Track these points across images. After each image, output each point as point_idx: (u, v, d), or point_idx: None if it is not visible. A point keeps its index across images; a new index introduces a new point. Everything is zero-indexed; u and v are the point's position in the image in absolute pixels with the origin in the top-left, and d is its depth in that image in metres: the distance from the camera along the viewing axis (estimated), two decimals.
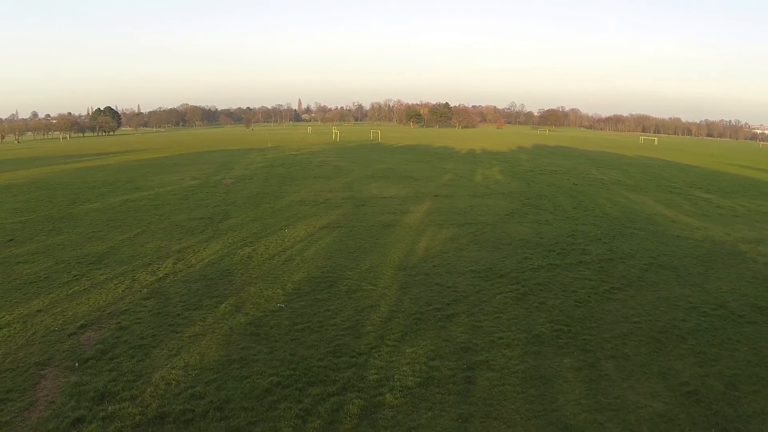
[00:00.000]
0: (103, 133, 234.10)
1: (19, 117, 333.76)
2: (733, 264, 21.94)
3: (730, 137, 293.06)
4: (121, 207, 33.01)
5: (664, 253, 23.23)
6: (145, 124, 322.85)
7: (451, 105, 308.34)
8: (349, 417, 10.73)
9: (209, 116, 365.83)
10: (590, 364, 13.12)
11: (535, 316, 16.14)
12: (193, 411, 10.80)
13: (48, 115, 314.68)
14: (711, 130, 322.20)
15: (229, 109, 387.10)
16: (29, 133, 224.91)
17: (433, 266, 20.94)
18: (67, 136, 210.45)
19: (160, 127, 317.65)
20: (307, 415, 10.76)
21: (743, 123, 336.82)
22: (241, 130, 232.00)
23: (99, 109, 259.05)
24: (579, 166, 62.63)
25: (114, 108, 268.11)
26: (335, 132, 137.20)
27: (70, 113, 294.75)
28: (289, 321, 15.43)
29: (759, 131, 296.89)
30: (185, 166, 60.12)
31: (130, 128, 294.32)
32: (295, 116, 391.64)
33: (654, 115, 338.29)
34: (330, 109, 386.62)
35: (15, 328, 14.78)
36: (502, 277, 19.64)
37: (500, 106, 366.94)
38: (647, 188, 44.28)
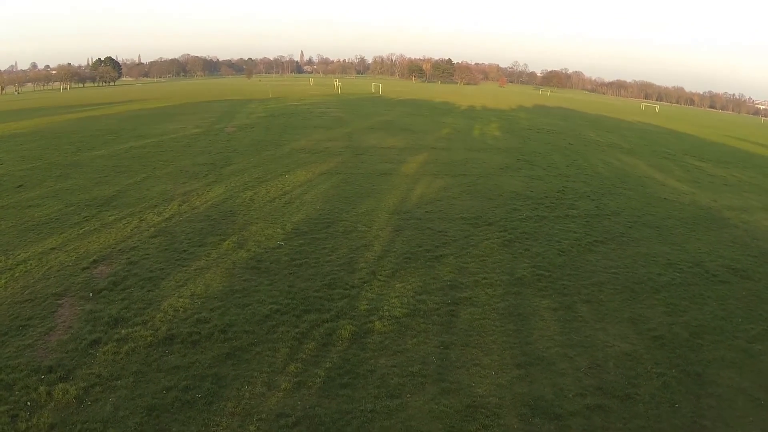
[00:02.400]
0: (104, 84, 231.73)
1: (19, 68, 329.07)
2: (714, 228, 22.73)
3: (733, 110, 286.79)
4: (126, 154, 33.68)
5: (649, 213, 24.02)
6: (146, 74, 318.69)
7: (454, 62, 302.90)
8: (341, 340, 11.82)
9: (211, 67, 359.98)
10: (566, 306, 14.15)
11: (519, 261, 17.13)
12: (199, 333, 11.90)
13: (47, 66, 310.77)
14: (714, 102, 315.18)
15: (230, 60, 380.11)
16: (29, 84, 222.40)
17: (426, 212, 21.87)
18: (68, 86, 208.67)
19: (161, 77, 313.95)
20: (303, 337, 11.85)
21: (747, 97, 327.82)
22: (242, 81, 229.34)
23: (99, 59, 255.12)
24: (577, 128, 62.48)
25: (114, 58, 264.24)
26: (336, 84, 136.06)
27: (69, 64, 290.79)
28: (288, 257, 16.47)
29: (762, 107, 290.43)
30: (187, 115, 60.29)
31: (131, 78, 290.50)
32: (297, 68, 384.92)
33: (657, 83, 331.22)
34: (332, 62, 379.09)
35: (31, 264, 15.76)
36: (491, 225, 20.58)
37: (503, 65, 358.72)
38: (642, 153, 44.46)
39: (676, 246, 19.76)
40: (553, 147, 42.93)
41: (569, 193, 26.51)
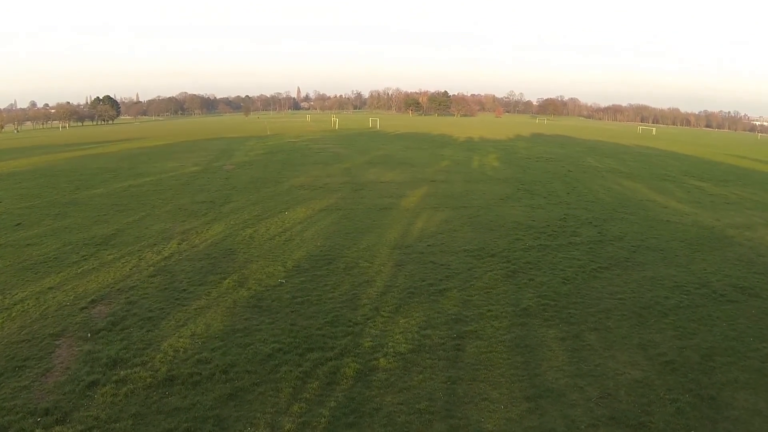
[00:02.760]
0: (103, 122, 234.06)
1: (18, 107, 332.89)
2: (719, 247, 22.63)
3: (729, 128, 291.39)
4: (125, 192, 33.74)
5: (652, 237, 23.96)
6: (144, 113, 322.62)
7: (450, 93, 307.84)
8: (346, 379, 11.55)
9: (208, 104, 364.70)
10: (574, 335, 13.90)
11: (523, 291, 16.92)
12: (200, 374, 11.62)
13: (47, 105, 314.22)
14: (710, 121, 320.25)
15: (228, 98, 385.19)
16: (28, 122, 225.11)
17: (428, 245, 21.77)
18: (66, 125, 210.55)
19: (159, 115, 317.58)
20: (306, 377, 11.58)
21: (742, 114, 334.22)
22: (240, 119, 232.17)
23: (98, 97, 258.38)
24: (575, 154, 63.30)
25: (113, 97, 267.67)
26: (334, 120, 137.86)
27: (68, 102, 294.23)
28: (289, 295, 16.26)
29: (758, 123, 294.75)
30: (185, 153, 60.74)
31: (129, 117, 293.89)
32: (294, 104, 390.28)
33: (653, 106, 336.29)
34: (329, 97, 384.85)
35: (29, 303, 15.54)
36: (494, 256, 20.45)
37: (499, 95, 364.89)
38: (641, 176, 44.90)
39: (682, 268, 19.64)
40: (553, 175, 43.24)
41: (571, 221, 26.53)
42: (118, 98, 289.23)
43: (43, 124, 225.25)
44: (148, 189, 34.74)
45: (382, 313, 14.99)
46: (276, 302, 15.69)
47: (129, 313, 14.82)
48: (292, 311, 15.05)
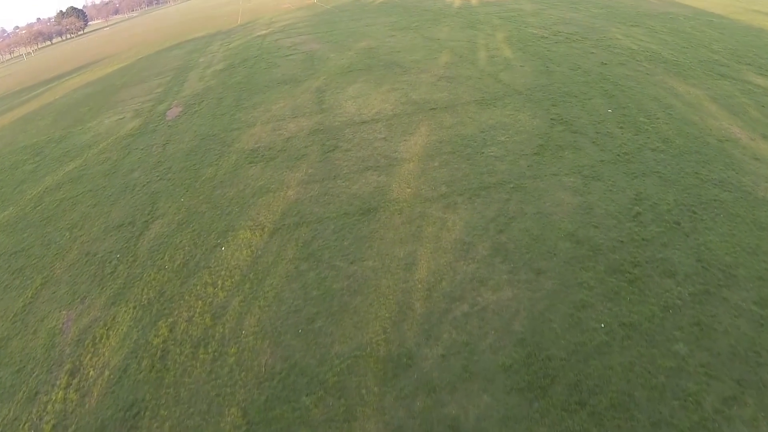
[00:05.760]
0: (72, 36, 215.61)
1: None
2: None
3: None
4: (33, 212, 25.12)
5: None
6: (117, 11, 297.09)
7: None
8: None
9: None
10: None
11: None
12: None
13: (17, 27, 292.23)
14: None
15: None
16: None
17: (443, 356, 12.42)
18: (32, 51, 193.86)
19: (132, 11, 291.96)
20: None
21: None
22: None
23: (62, 11, 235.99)
24: (595, 24, 47.49)
25: (76, 7, 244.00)
26: None
27: (39, 19, 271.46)
28: None
29: None
30: (134, 86, 50.02)
31: (101, 20, 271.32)
32: None
33: None
34: None
35: None
36: (551, 384, 11.37)
37: None
38: (692, 70, 31.43)
39: None
40: (586, 77, 30.63)
41: (649, 218, 16.13)
42: (89, 1, 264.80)
43: (11, 53, 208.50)
44: (63, 201, 25.74)
45: None
46: None
47: None
48: None
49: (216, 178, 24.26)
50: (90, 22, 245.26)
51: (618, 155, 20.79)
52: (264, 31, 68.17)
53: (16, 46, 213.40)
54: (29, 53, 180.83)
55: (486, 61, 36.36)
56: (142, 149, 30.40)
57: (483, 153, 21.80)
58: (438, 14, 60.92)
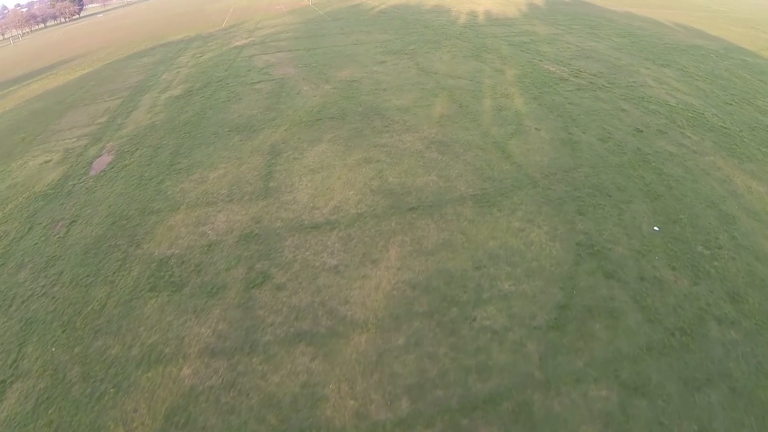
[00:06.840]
0: (65, 21, 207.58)
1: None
2: None
3: None
4: None
5: None
6: None
7: None
8: None
9: None
10: None
11: None
12: None
13: (18, 5, 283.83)
14: None
15: None
16: None
17: None
18: (20, 34, 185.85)
19: None
20: None
21: None
22: None
23: None
24: (621, 61, 39.55)
25: None
26: None
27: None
28: None
29: None
30: (82, 108, 42.22)
31: (98, 5, 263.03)
32: None
33: None
34: None
35: None
36: None
37: None
38: (746, 146, 23.92)
39: None
40: (620, 155, 22.80)
41: None
42: None
43: (2, 34, 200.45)
44: None
45: None
46: None
47: None
48: None
49: (104, 313, 16.64)
50: (87, 6, 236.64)
51: (672, 333, 13.26)
52: (243, 41, 60.45)
53: (8, 28, 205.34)
54: (16, 38, 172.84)
55: (492, 115, 28.66)
56: (44, 227, 22.88)
57: (475, 321, 14.17)
58: (439, 33, 53.01)
